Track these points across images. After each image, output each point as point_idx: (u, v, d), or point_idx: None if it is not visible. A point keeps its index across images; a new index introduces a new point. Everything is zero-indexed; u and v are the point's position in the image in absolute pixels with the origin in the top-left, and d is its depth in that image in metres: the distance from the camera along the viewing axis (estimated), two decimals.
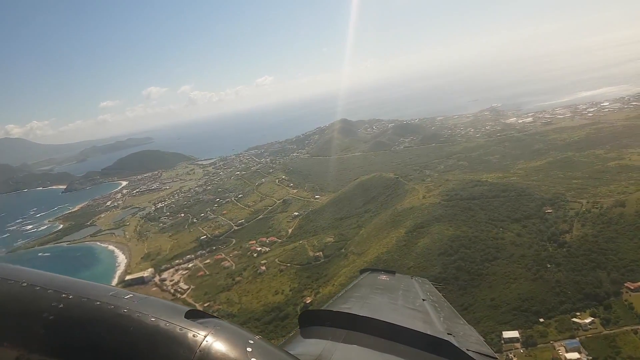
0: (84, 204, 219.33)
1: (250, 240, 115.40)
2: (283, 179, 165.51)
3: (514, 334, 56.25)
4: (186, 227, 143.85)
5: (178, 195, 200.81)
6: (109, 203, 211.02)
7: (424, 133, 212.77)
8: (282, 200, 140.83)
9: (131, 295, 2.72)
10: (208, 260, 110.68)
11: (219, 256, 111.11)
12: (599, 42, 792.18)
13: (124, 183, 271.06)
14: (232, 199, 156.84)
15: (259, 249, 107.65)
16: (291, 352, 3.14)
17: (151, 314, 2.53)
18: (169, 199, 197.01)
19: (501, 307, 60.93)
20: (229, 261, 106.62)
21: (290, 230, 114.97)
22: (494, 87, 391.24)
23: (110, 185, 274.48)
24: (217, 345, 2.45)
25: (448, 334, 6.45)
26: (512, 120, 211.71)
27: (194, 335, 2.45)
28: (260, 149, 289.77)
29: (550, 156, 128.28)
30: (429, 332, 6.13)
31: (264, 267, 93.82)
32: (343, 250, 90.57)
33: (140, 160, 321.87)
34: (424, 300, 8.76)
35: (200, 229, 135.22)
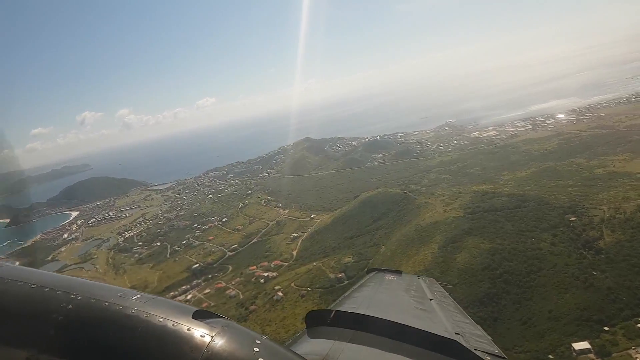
0: (36, 237, 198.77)
1: (250, 265, 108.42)
2: (269, 199, 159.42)
3: (585, 344, 55.21)
4: (167, 256, 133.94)
5: (144, 223, 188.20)
6: (65, 236, 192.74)
7: (395, 149, 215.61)
8: (274, 221, 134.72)
9: (139, 295, 2.82)
10: (208, 290, 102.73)
11: (220, 285, 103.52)
12: (531, 58, 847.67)
13: (75, 213, 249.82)
14: (216, 223, 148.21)
15: (265, 274, 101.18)
16: (298, 352, 3.21)
17: (159, 315, 2.60)
18: (134, 227, 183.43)
19: (562, 319, 60.09)
20: (233, 289, 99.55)
21: (294, 253, 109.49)
22: (441, 104, 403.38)
23: (59, 216, 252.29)
24: (225, 345, 2.51)
25: (455, 333, 6.42)
26: (476, 134, 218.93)
27: (201, 336, 2.52)
28: (220, 170, 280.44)
29: (533, 166, 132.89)
30: (436, 332, 6.02)
31: (280, 293, 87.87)
32: (367, 270, 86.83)
33: (89, 188, 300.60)
34: (431, 299, 8.80)
35: (188, 257, 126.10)
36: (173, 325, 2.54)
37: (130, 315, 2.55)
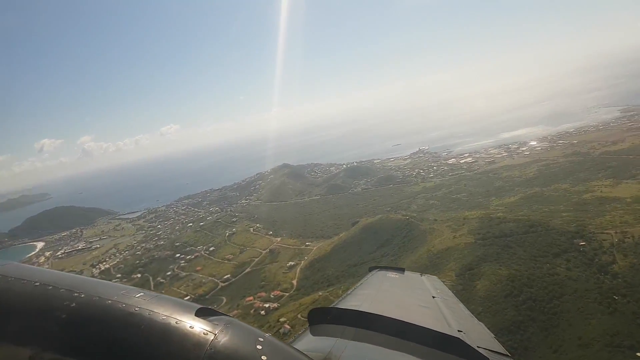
0: None
1: (246, 296, 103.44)
2: (258, 227, 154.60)
3: None
4: (151, 288, 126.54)
5: (119, 254, 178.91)
6: None
7: (376, 175, 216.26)
8: (267, 249, 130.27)
9: (142, 293, 2.82)
10: None
11: None
12: (490, 89, 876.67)
13: (41, 244, 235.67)
14: (203, 252, 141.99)
15: (265, 305, 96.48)
16: (301, 350, 3.21)
17: (162, 312, 2.61)
18: (109, 259, 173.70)
19: (593, 345, 59.27)
20: None
21: (294, 282, 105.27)
22: (410, 133, 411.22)
23: (23, 248, 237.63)
24: (228, 342, 2.51)
25: (459, 331, 6.41)
26: (453, 160, 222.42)
27: (204, 333, 2.52)
28: (194, 198, 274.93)
29: (519, 192, 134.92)
30: (439, 330, 5.97)
31: (287, 326, 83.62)
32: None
33: (53, 218, 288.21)
34: (434, 297, 8.81)
35: (175, 289, 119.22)
36: (176, 322, 2.54)
37: (133, 313, 2.54)
